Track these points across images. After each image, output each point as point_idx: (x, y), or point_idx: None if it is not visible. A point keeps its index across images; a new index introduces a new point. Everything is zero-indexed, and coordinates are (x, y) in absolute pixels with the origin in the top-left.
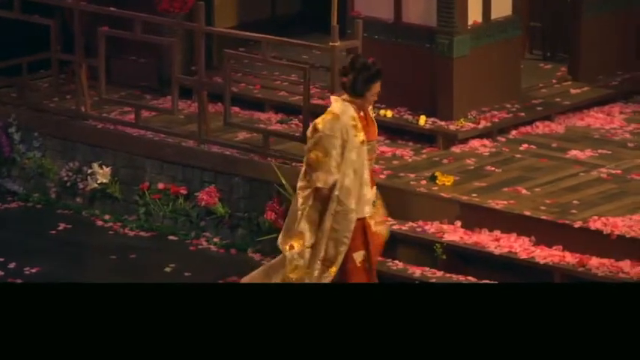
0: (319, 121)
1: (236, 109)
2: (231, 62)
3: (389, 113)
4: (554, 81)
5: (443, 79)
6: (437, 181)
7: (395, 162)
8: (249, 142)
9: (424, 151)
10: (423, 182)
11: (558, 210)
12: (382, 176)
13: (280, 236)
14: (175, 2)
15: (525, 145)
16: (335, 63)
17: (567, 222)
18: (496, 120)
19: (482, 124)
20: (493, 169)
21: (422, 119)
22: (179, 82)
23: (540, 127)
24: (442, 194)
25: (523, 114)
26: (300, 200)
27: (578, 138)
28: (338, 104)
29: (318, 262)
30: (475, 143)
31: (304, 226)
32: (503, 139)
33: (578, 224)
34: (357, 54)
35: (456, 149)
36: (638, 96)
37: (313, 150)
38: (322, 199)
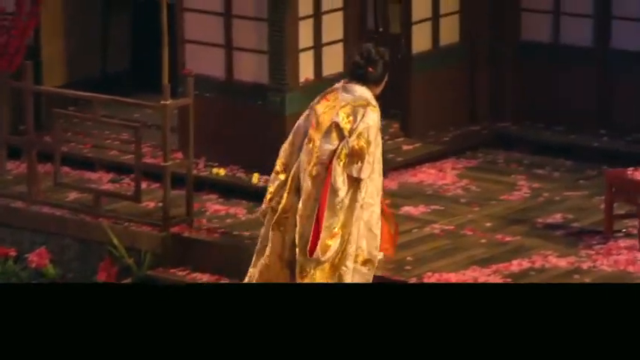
0: (368, 113)
1: (66, 169)
2: (60, 121)
3: (222, 171)
4: (386, 137)
5: (275, 137)
6: None
7: (229, 220)
8: (80, 203)
9: (258, 209)
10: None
11: (393, 266)
12: (216, 235)
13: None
14: (2, 60)
15: None
16: (166, 121)
17: (402, 278)
18: None
19: None
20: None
21: (255, 177)
22: (7, 142)
23: None
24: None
25: None
26: (342, 195)
27: (411, 194)
28: (369, 93)
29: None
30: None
31: (341, 221)
32: None
33: (412, 280)
34: (364, 44)
35: None
36: (470, 152)
37: (358, 140)
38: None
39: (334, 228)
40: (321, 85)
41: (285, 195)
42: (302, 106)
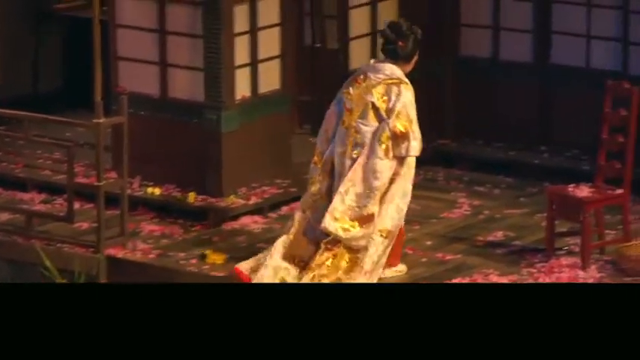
0: (402, 91)
1: None
2: None
3: (157, 191)
4: None
5: (212, 155)
6: (207, 260)
7: (164, 241)
8: (12, 224)
9: (194, 229)
10: (194, 261)
11: None
12: (152, 256)
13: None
14: None
15: None
16: (100, 140)
17: None
18: (267, 196)
19: (253, 200)
20: (265, 245)
21: (191, 196)
22: None
23: None
24: (213, 273)
25: (294, 189)
26: (383, 180)
27: None
28: (399, 71)
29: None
30: (246, 220)
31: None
32: (275, 216)
33: None
34: (394, 20)
35: (227, 226)
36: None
37: (399, 120)
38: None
39: (369, 211)
40: (258, 102)
41: (318, 178)
42: (238, 124)
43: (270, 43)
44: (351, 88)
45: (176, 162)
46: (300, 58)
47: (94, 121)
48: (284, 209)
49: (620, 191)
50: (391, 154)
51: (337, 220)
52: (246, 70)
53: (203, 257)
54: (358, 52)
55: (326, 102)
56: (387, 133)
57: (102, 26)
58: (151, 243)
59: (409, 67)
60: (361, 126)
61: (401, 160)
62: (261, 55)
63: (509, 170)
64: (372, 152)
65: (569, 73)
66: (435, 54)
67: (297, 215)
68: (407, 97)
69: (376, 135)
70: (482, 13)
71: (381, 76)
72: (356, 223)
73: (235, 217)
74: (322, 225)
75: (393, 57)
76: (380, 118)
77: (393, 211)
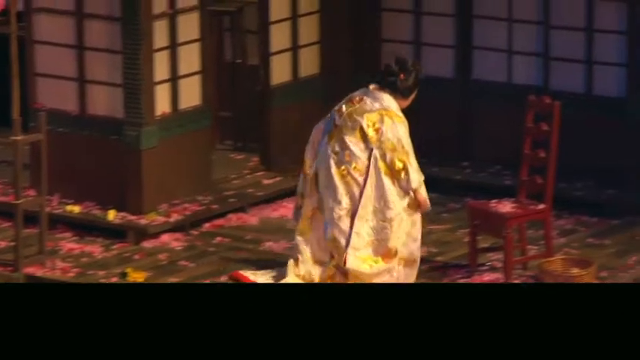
0: (396, 124)
1: None
2: None
3: (76, 209)
4: (246, 171)
5: (131, 172)
6: (128, 278)
7: (84, 259)
8: None
9: (114, 247)
10: (114, 279)
11: None
12: (71, 274)
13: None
14: None
15: (219, 238)
16: (18, 157)
17: None
18: (188, 213)
19: (174, 217)
20: (187, 263)
21: (111, 214)
22: None
23: (234, 219)
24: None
25: (216, 206)
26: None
27: (273, 229)
28: (395, 104)
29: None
30: (167, 237)
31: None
32: (197, 233)
33: None
34: (399, 55)
35: (148, 244)
36: None
37: (395, 153)
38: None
39: (391, 245)
40: (178, 118)
41: (308, 193)
42: (159, 140)
43: (191, 58)
44: (344, 106)
45: (96, 179)
46: (221, 73)
47: (12, 138)
48: (205, 226)
49: (542, 206)
50: (396, 183)
51: (360, 258)
52: (166, 86)
53: (124, 275)
54: (279, 68)
55: (246, 118)
56: (385, 162)
57: (19, 42)
58: (70, 261)
59: (406, 103)
60: (349, 143)
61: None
62: (182, 71)
63: (431, 186)
64: (378, 183)
65: (491, 88)
66: (357, 70)
67: (298, 241)
68: (401, 130)
69: (374, 165)
70: (404, 28)
71: (377, 105)
72: (379, 258)
73: (156, 235)
74: (347, 266)
75: (393, 89)
76: (366, 145)
77: (410, 241)
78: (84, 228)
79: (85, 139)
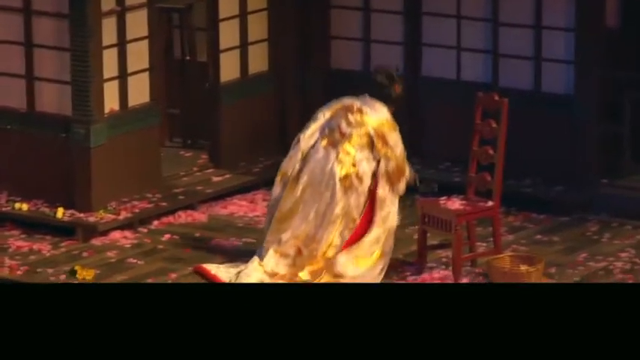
0: (397, 133)
1: None
2: None
3: (24, 206)
4: (195, 169)
5: (80, 170)
6: (77, 276)
7: (32, 257)
8: None
9: (63, 244)
10: (63, 277)
11: None
12: (19, 272)
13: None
14: None
15: (168, 236)
16: None
17: None
18: (137, 210)
19: (123, 214)
20: (136, 261)
21: (59, 212)
22: None
23: (183, 217)
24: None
25: (165, 203)
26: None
27: (222, 226)
28: (388, 113)
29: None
30: (116, 235)
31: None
32: (145, 230)
33: None
34: (381, 66)
35: (97, 242)
36: None
37: (397, 160)
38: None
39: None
40: (127, 116)
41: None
42: (107, 138)
43: (139, 55)
44: (349, 115)
45: (44, 177)
46: (170, 71)
47: None
48: (155, 223)
49: (491, 203)
50: (395, 189)
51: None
52: (115, 84)
53: (73, 273)
54: (228, 65)
55: (196, 115)
56: (389, 175)
57: None
58: (18, 259)
59: (394, 108)
60: (356, 151)
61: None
62: (130, 68)
63: None
64: (383, 191)
65: (440, 85)
66: (306, 67)
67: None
68: (398, 137)
69: (381, 173)
70: (352, 25)
71: (380, 115)
72: (373, 256)
73: (105, 232)
74: (338, 268)
75: (387, 100)
76: (372, 154)
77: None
78: (32, 226)
79: (33, 137)
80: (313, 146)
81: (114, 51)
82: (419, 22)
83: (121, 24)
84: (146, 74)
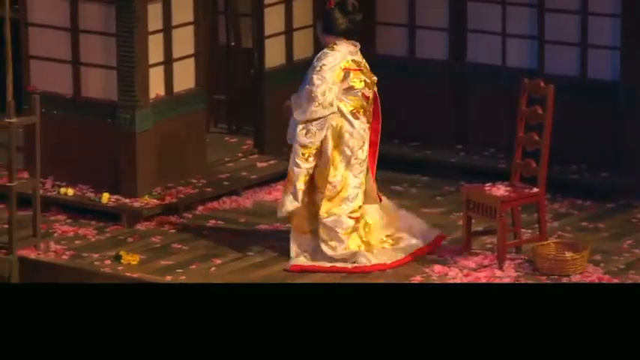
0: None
1: None
2: None
3: (70, 191)
4: (240, 155)
5: (125, 155)
6: (122, 261)
7: (77, 242)
8: None
9: (108, 229)
10: (108, 262)
11: None
12: (65, 257)
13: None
14: None
15: (213, 221)
16: (12, 140)
17: None
18: (182, 196)
19: (168, 200)
20: (180, 246)
21: (105, 197)
22: None
23: (227, 203)
24: (128, 274)
25: (209, 189)
26: None
27: (267, 212)
28: None
29: None
30: (161, 220)
31: None
32: (190, 216)
33: None
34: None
35: (141, 227)
36: None
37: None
38: None
39: None
40: (172, 101)
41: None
42: (153, 123)
43: (185, 41)
44: (366, 78)
45: (90, 162)
46: (215, 56)
47: (6, 120)
48: (199, 209)
49: (536, 190)
50: None
51: None
52: (160, 69)
53: (117, 258)
54: (273, 51)
55: (241, 101)
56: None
57: (13, 25)
58: (64, 244)
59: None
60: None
61: None
62: (176, 54)
63: (425, 169)
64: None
65: (485, 71)
66: None
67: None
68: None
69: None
70: (398, 11)
71: (363, 62)
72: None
73: (150, 218)
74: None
75: (356, 37)
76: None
77: None
78: (78, 211)
79: (79, 122)
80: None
81: (159, 36)
82: (464, 8)
83: (166, 9)
84: (191, 60)
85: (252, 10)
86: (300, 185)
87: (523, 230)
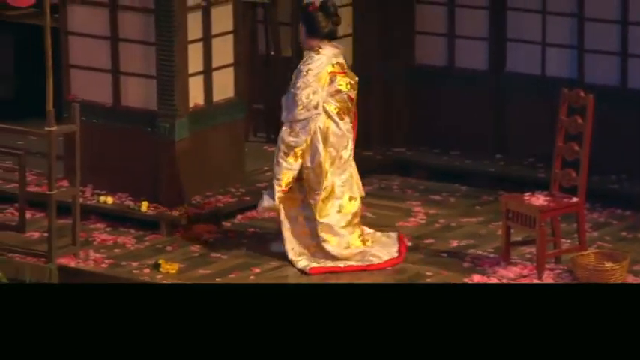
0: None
1: None
2: None
3: (110, 200)
4: None
5: (165, 164)
6: (161, 269)
7: (117, 250)
8: None
9: (147, 238)
10: (147, 270)
11: None
12: (104, 265)
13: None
14: None
15: (252, 230)
16: (52, 149)
17: None
18: (221, 205)
19: (207, 209)
20: (219, 255)
21: (144, 205)
22: None
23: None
24: (166, 282)
25: (248, 198)
26: None
27: None
28: None
29: None
30: (200, 229)
31: None
32: (229, 224)
33: None
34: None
35: (181, 235)
36: (364, 178)
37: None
38: None
39: None
40: (212, 111)
41: None
42: (192, 132)
43: (224, 50)
44: (350, 80)
45: (129, 171)
46: (254, 65)
47: (46, 129)
48: (238, 218)
49: (575, 200)
50: None
51: None
52: (200, 78)
53: (156, 266)
54: None
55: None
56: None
57: (53, 34)
58: (103, 252)
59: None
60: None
61: None
62: (215, 63)
63: (464, 179)
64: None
65: (525, 81)
66: (388, 62)
67: None
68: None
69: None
70: (438, 21)
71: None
72: None
73: (189, 226)
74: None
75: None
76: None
77: None
78: (117, 219)
79: (118, 131)
80: None
81: (199, 46)
82: (504, 18)
83: (206, 19)
84: (231, 69)
85: (291, 19)
86: (282, 186)
87: (562, 240)
